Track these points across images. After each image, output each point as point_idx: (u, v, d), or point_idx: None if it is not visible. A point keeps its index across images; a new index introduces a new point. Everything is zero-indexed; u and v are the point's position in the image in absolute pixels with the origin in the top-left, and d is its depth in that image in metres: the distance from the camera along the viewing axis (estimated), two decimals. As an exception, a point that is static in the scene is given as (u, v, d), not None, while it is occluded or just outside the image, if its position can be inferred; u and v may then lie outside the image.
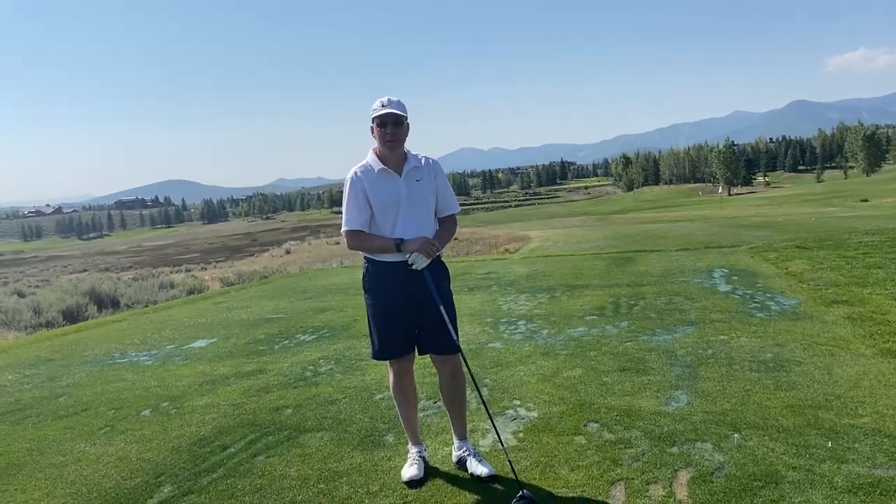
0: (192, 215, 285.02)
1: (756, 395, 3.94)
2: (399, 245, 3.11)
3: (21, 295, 20.22)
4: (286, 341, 6.67)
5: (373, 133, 3.15)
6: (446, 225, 3.34)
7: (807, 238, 11.78)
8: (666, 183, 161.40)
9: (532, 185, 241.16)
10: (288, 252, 49.92)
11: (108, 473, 3.64)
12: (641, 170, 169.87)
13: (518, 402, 4.16)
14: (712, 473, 3.00)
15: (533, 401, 4.16)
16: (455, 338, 3.20)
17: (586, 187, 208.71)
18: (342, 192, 3.25)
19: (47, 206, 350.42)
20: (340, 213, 3.27)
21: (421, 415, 3.93)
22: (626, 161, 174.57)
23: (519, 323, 6.54)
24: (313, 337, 6.76)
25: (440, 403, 3.96)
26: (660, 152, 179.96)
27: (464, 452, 3.32)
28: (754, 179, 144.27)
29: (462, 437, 3.39)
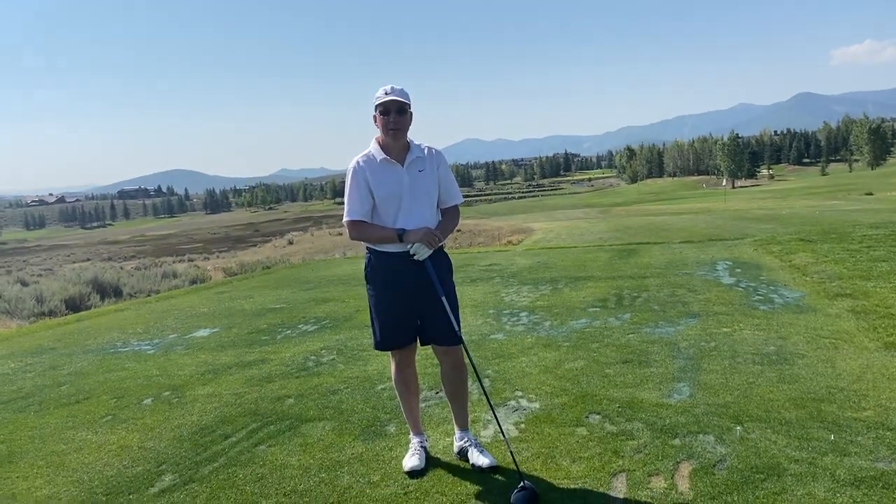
0: (195, 205, 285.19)
1: (759, 387, 3.93)
2: (401, 235, 3.09)
3: (24, 284, 20.28)
4: (288, 331, 6.67)
5: (375, 121, 3.13)
6: (449, 215, 3.32)
7: (811, 231, 11.74)
8: (670, 175, 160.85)
9: (536, 176, 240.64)
10: (291, 242, 49.95)
11: (110, 462, 3.65)
12: (645, 162, 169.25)
13: (520, 394, 4.15)
14: (714, 465, 2.99)
15: (535, 392, 4.15)
16: (457, 329, 3.19)
17: (590, 179, 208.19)
18: (345, 182, 3.23)
19: (50, 195, 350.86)
20: (343, 203, 3.25)
21: (423, 405, 3.93)
22: (630, 153, 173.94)
23: (521, 314, 6.54)
24: (315, 327, 6.76)
25: (442, 394, 3.96)
26: (664, 144, 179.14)
27: (465, 443, 3.31)
28: (758, 172, 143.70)
29: (463, 427, 3.39)
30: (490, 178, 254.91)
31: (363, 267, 3.34)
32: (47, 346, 7.06)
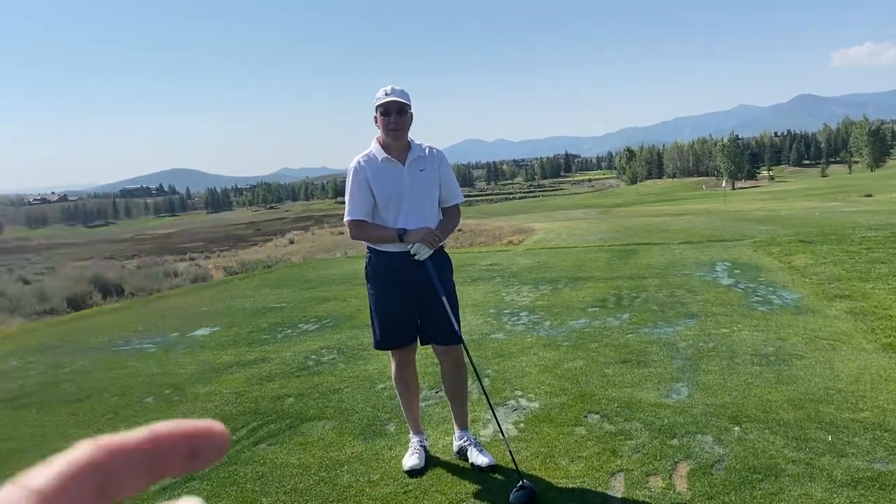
0: (197, 204, 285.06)
1: (757, 388, 3.95)
2: (402, 235, 3.11)
3: (26, 282, 20.30)
4: (289, 330, 6.69)
5: (376, 122, 3.15)
6: (450, 215, 3.34)
7: (810, 232, 11.74)
8: (670, 176, 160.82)
9: (536, 177, 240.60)
10: (291, 242, 49.92)
11: (112, 459, 3.67)
12: (645, 163, 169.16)
13: (519, 393, 4.17)
14: (712, 466, 3.01)
15: (534, 391, 4.17)
16: (457, 328, 3.20)
17: (590, 180, 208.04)
18: (346, 181, 3.25)
19: (52, 193, 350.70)
20: (344, 202, 3.27)
21: (422, 404, 3.95)
22: (630, 154, 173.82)
23: (521, 314, 6.55)
24: (316, 326, 6.77)
25: (442, 393, 3.97)
26: (664, 146, 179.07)
27: (465, 442, 3.33)
28: (758, 173, 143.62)
29: (463, 426, 3.40)
30: (491, 179, 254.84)
31: (364, 266, 3.36)
32: (49, 345, 7.08)
